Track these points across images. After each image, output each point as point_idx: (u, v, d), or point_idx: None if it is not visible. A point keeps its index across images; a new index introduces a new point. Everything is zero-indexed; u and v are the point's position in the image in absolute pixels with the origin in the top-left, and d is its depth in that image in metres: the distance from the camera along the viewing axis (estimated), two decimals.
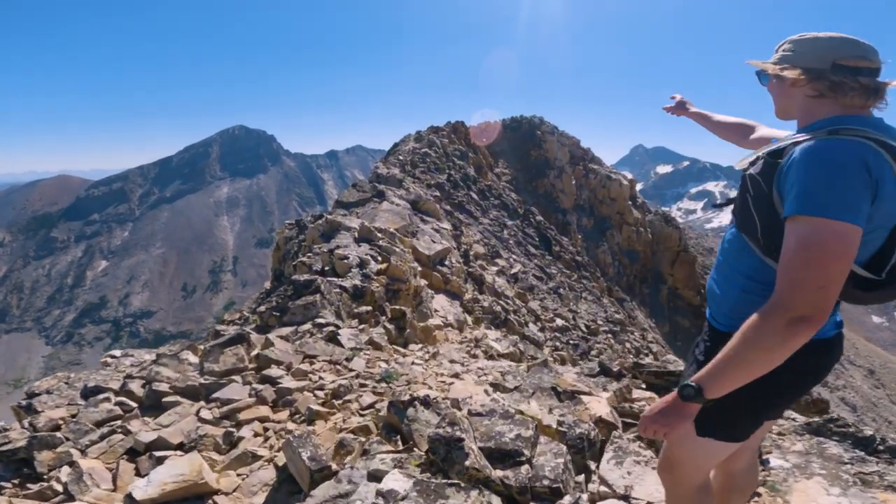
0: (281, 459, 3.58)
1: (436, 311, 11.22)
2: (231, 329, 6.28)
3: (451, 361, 6.24)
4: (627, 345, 22.18)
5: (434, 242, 13.43)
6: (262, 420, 4.29)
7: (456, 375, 5.53)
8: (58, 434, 4.36)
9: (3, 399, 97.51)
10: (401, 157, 25.69)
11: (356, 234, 10.38)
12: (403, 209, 14.94)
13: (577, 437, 3.57)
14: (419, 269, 11.07)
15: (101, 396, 4.91)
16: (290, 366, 5.05)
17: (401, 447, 3.65)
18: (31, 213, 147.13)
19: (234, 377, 4.93)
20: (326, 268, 8.44)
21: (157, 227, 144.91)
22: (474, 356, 8.45)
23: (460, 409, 4.56)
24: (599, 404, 4.28)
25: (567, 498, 3.13)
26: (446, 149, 29.99)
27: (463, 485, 2.88)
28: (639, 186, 41.99)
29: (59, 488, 3.70)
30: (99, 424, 4.52)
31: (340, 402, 4.51)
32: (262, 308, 6.22)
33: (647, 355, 23.85)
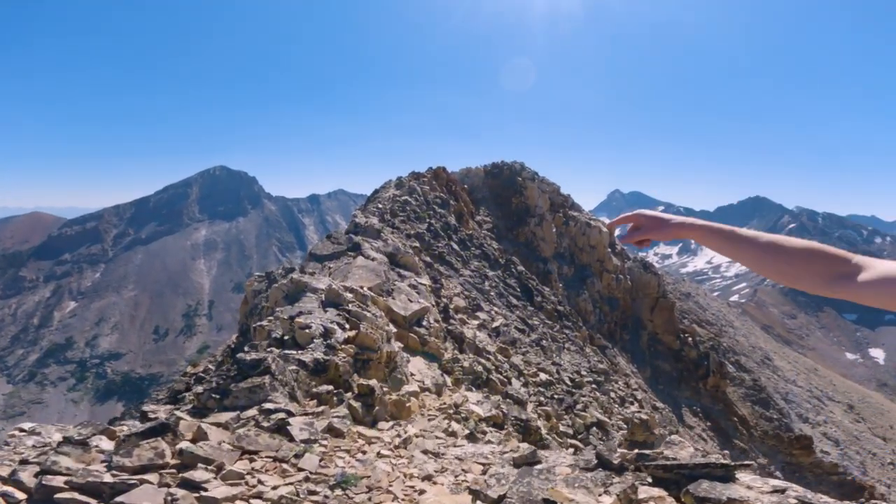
0: None
1: (412, 375, 10.26)
2: (161, 411, 5.28)
3: (425, 452, 5.32)
4: (612, 395, 21.28)
5: (411, 301, 12.58)
6: None
7: (429, 478, 4.61)
8: None
9: None
10: (380, 206, 25.13)
11: (323, 296, 9.48)
12: (379, 264, 14.12)
13: None
14: (394, 331, 10.19)
15: None
16: (222, 466, 4.09)
17: None
18: (1, 251, 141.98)
19: (148, 476, 3.95)
20: (286, 336, 7.52)
21: (131, 268, 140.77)
22: (452, 434, 7.48)
23: None
24: None
25: None
26: (427, 196, 29.62)
27: None
28: (616, 232, 42.27)
29: None
30: None
31: None
32: (200, 388, 5.26)
33: (632, 403, 22.91)
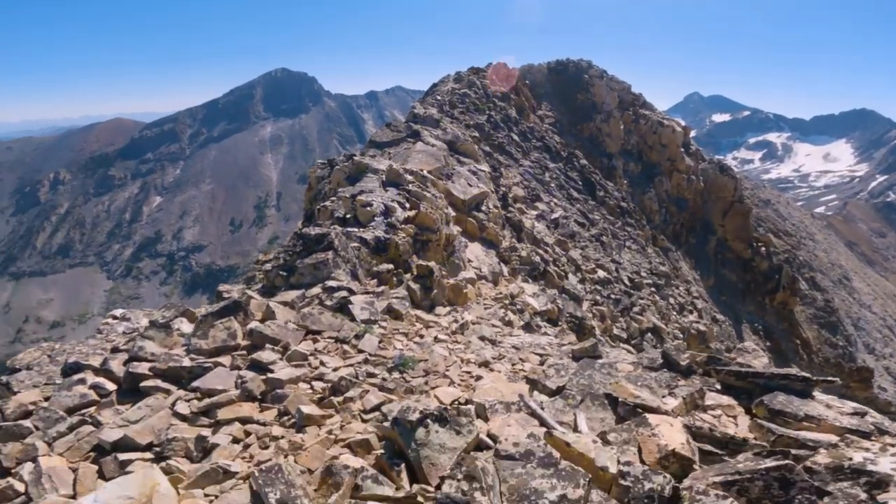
0: None
1: (469, 261, 10.13)
2: (234, 291, 5.40)
3: (482, 339, 5.21)
4: (671, 300, 20.70)
5: (470, 186, 12.14)
6: (244, 421, 3.41)
7: (486, 364, 4.49)
8: (26, 423, 3.76)
9: (68, 335, 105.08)
10: (439, 98, 24.00)
11: (384, 177, 9.21)
12: (439, 150, 13.59)
13: (647, 496, 2.46)
14: (453, 214, 9.94)
15: (76, 377, 4.18)
16: (288, 346, 4.13)
17: (405, 485, 2.69)
18: (89, 153, 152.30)
19: (221, 359, 4.07)
20: (349, 215, 7.42)
21: (206, 164, 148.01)
22: (508, 323, 7.38)
23: (486, 418, 3.54)
24: (672, 429, 3.09)
25: None
26: (487, 90, 27.94)
27: None
28: (692, 134, 38.73)
29: (21, 488, 3.16)
30: (70, 411, 3.83)
31: (341, 399, 3.56)
32: (269, 266, 5.28)
33: (691, 312, 22.34)
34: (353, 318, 4.71)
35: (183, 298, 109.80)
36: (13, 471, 3.41)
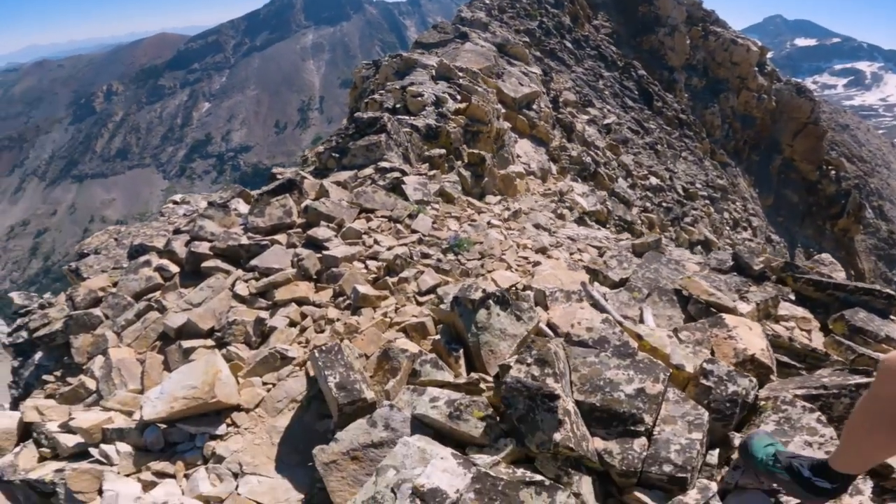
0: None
1: (518, 156, 9.79)
2: (288, 172, 5.39)
3: (536, 227, 5.06)
4: (726, 214, 19.76)
5: (521, 85, 11.46)
6: (301, 302, 3.42)
7: (543, 251, 4.35)
8: (96, 311, 3.92)
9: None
10: (487, 2, 22.25)
11: (433, 71, 8.74)
12: (488, 51, 12.76)
13: (729, 400, 2.24)
14: (503, 111, 9.47)
15: (142, 259, 4.31)
16: (342, 223, 4.11)
17: (462, 371, 2.66)
18: (139, 66, 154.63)
19: (278, 237, 4.10)
20: (398, 105, 7.15)
21: (251, 72, 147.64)
22: (560, 216, 7.19)
23: (546, 306, 3.43)
24: (751, 333, 2.81)
25: (693, 493, 1.94)
26: None
27: (548, 482, 1.82)
28: (768, 55, 34.98)
29: (92, 385, 3.29)
30: (137, 296, 3.96)
31: (395, 279, 3.53)
32: (321, 148, 5.20)
33: (745, 229, 21.36)
34: (406, 198, 4.63)
35: None
36: (85, 367, 3.52)
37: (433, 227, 4.39)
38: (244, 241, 4.02)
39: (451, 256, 4.02)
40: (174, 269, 4.18)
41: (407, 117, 6.37)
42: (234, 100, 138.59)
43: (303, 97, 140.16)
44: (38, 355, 4.13)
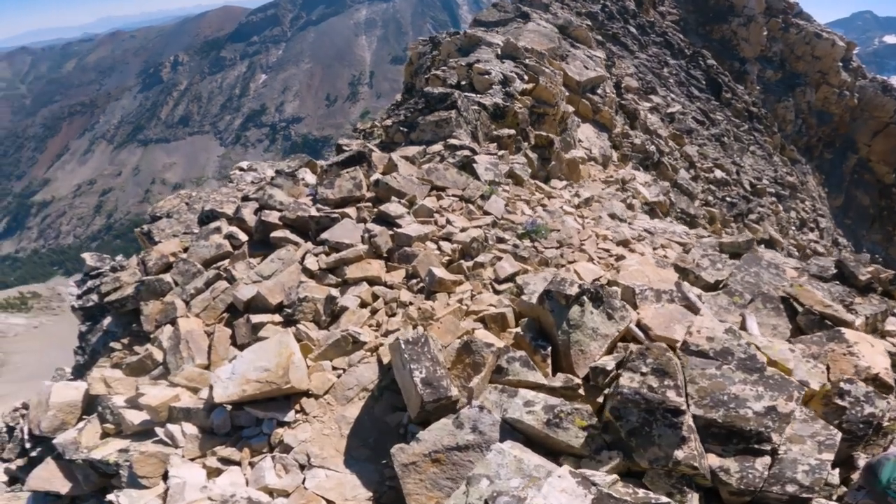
0: (387, 353, 2.58)
1: (580, 141, 9.33)
2: (354, 144, 5.24)
3: (612, 217, 4.72)
4: (793, 214, 18.47)
5: (587, 69, 10.87)
6: (372, 282, 3.25)
7: (624, 243, 4.01)
8: (166, 278, 3.89)
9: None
10: None
11: (499, 50, 8.33)
12: (551, 32, 12.16)
13: (864, 421, 2.01)
14: (566, 94, 9.01)
15: (213, 226, 4.26)
16: (414, 200, 3.90)
17: (549, 371, 2.36)
18: (203, 38, 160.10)
19: (347, 210, 3.94)
20: (463, 82, 6.85)
21: (305, 45, 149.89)
22: (630, 206, 6.77)
23: (635, 305, 3.10)
24: (873, 351, 2.47)
25: None
26: None
27: None
28: (854, 51, 32.41)
29: (159, 357, 3.24)
30: (207, 264, 3.90)
31: (471, 264, 3.30)
32: (389, 121, 5.01)
33: (812, 230, 19.95)
34: (476, 178, 4.38)
35: None
36: (153, 335, 3.49)
37: (506, 210, 4.13)
38: (314, 212, 3.90)
39: (527, 242, 3.77)
40: (243, 237, 4.13)
41: (474, 95, 6.08)
42: (289, 72, 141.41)
43: (353, 72, 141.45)
44: (106, 321, 4.15)
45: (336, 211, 3.94)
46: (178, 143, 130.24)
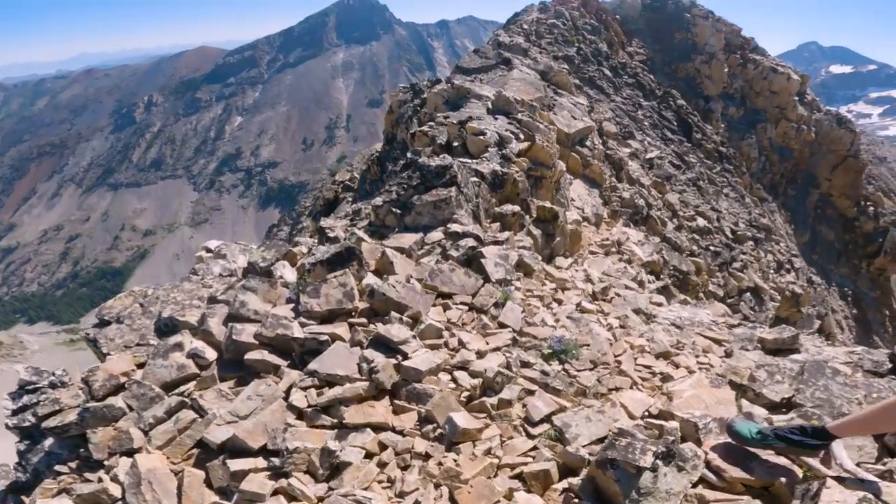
0: None
1: (572, 200, 8.79)
2: (338, 227, 4.46)
3: (637, 313, 4.03)
4: (770, 257, 18.38)
5: (574, 119, 10.51)
6: (378, 428, 2.49)
7: (665, 355, 3.34)
8: (117, 402, 3.05)
9: (158, 244, 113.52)
10: (524, 27, 21.53)
11: (489, 103, 7.84)
12: (536, 79, 11.86)
13: None
14: (558, 149, 8.53)
15: (173, 340, 3.42)
16: (418, 316, 3.16)
17: None
18: (179, 78, 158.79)
19: (338, 328, 3.16)
20: (455, 143, 6.24)
21: (283, 88, 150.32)
22: (640, 283, 6.12)
23: (699, 441, 2.45)
24: None
25: None
26: (575, 21, 24.95)
27: None
28: (807, 84, 33.92)
29: (116, 491, 2.52)
30: (167, 388, 3.09)
31: (495, 401, 2.57)
32: (379, 201, 4.28)
33: (788, 271, 19.92)
34: (485, 276, 3.66)
35: (258, 211, 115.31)
36: (106, 463, 2.79)
37: (524, 321, 3.39)
38: (297, 330, 3.11)
39: (556, 366, 3.03)
40: (211, 354, 3.33)
41: (470, 161, 5.43)
42: (265, 115, 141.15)
43: (330, 115, 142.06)
44: (48, 441, 3.33)
45: (324, 330, 3.15)
46: (149, 187, 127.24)
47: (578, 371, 3.03)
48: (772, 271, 17.93)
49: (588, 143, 10.36)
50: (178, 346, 3.38)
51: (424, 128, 7.60)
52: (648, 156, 16.81)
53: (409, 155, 6.40)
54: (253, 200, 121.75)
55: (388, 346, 2.96)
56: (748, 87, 32.34)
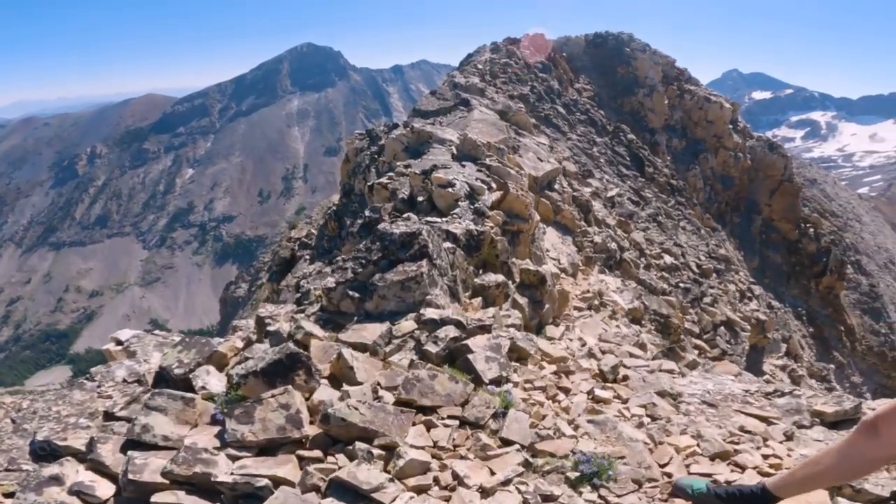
0: None
1: (547, 251, 8.13)
2: (282, 318, 3.53)
3: (662, 395, 3.27)
4: (733, 287, 18.39)
5: (541, 160, 10.03)
6: None
7: (724, 456, 2.57)
8: None
9: (106, 304, 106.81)
10: (479, 67, 21.63)
11: (454, 149, 7.17)
12: (497, 120, 11.46)
13: None
14: (532, 197, 7.92)
15: (49, 472, 2.39)
16: (393, 446, 2.27)
17: None
18: (124, 128, 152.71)
19: (280, 467, 2.22)
20: (420, 197, 5.48)
21: (236, 138, 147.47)
22: (642, 346, 5.39)
23: None
24: None
25: None
26: (527, 60, 25.48)
27: None
28: (738, 112, 35.91)
29: None
30: None
31: None
32: (332, 281, 3.38)
33: (750, 299, 20.03)
34: (476, 376, 2.81)
35: (214, 268, 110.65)
36: None
37: (535, 433, 2.54)
38: (223, 470, 2.14)
39: (588, 493, 2.18)
40: (105, 490, 2.34)
41: (437, 219, 4.65)
42: (219, 167, 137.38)
43: (287, 165, 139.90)
44: None
45: (263, 470, 2.21)
46: (95, 246, 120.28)
47: (620, 497, 2.20)
48: (736, 300, 17.91)
49: (556, 186, 9.86)
50: (56, 480, 2.34)
51: (383, 179, 6.83)
52: (609, 194, 16.69)
53: (366, 213, 5.57)
54: (208, 257, 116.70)
55: (355, 494, 2.03)
56: (687, 117, 33.64)
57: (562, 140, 19.93)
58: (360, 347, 2.97)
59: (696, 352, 11.06)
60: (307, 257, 15.52)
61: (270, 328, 3.28)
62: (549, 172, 9.49)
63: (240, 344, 3.47)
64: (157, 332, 3.98)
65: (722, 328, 13.74)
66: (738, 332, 14.09)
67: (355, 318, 3.26)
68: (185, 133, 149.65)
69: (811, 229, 33.66)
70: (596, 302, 7.34)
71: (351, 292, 3.32)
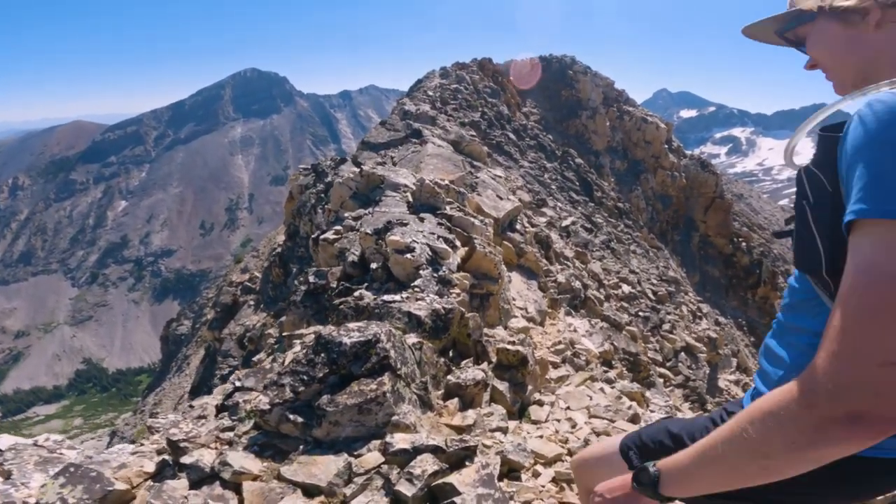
0: None
1: (514, 300, 7.52)
2: (205, 455, 2.64)
3: None
4: (685, 308, 18.61)
5: (500, 198, 9.44)
6: None
7: None
8: None
9: (34, 344, 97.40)
10: (429, 94, 21.26)
11: (410, 196, 6.43)
12: (452, 154, 10.87)
13: None
14: (499, 251, 7.31)
15: None
16: None
17: None
18: (49, 157, 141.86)
19: None
20: (374, 264, 4.72)
21: (174, 167, 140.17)
22: (634, 420, 4.82)
23: None
24: None
25: None
26: (476, 85, 25.41)
27: None
28: (672, 131, 37.81)
29: None
30: None
31: None
32: (266, 402, 2.53)
33: (701, 318, 20.38)
34: None
35: (153, 304, 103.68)
36: None
37: None
38: None
39: None
40: None
41: (395, 297, 3.90)
42: (155, 198, 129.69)
43: (231, 195, 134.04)
44: None
45: None
46: (18, 284, 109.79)
47: None
48: (691, 323, 18.09)
49: (518, 226, 9.32)
50: None
51: (330, 235, 5.99)
52: (564, 223, 16.50)
53: (311, 278, 4.72)
54: (146, 293, 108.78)
55: None
56: (627, 138, 34.77)
57: (514, 168, 19.75)
58: (311, 490, 2.16)
59: (662, 380, 10.78)
60: (251, 303, 14.20)
61: (187, 460, 2.39)
62: (510, 212, 8.93)
63: (151, 467, 2.53)
64: (43, 442, 2.93)
65: (682, 354, 13.65)
66: (697, 357, 14.05)
67: (301, 446, 2.44)
68: (117, 162, 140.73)
69: (743, 243, 35.40)
70: (569, 353, 6.77)
71: (292, 416, 2.51)
